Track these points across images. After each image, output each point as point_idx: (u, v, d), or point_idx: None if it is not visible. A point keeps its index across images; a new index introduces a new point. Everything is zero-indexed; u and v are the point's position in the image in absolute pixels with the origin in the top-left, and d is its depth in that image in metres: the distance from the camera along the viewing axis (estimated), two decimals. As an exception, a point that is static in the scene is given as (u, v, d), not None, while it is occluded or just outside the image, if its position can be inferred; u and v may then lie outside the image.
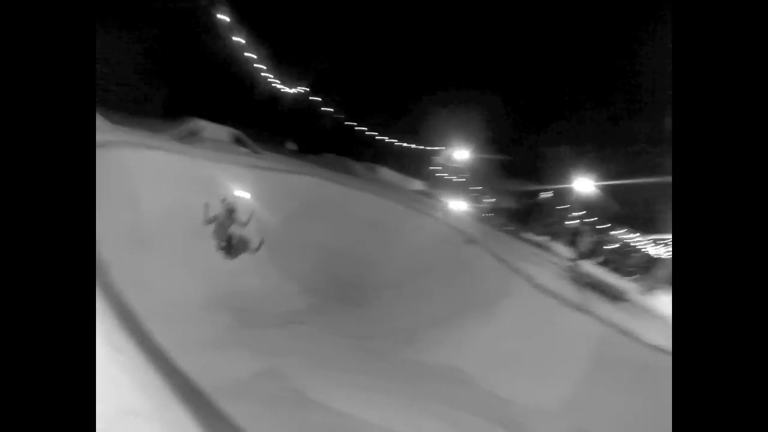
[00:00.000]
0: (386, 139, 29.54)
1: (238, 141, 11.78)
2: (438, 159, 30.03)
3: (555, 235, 19.17)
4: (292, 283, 8.08)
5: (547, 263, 10.23)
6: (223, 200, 6.49)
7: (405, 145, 29.86)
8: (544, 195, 25.17)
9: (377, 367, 5.81)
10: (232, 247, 6.53)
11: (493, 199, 29.17)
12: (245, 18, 15.51)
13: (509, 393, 5.60)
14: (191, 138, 10.11)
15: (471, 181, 30.10)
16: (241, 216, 6.52)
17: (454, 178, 30.30)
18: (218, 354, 5.14)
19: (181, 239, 6.87)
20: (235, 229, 6.50)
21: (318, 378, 5.17)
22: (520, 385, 5.68)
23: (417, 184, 21.16)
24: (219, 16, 14.27)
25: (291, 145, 22.06)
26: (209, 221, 6.22)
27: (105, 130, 6.94)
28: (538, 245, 13.84)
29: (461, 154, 29.70)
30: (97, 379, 1.63)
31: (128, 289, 4.91)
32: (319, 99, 26.57)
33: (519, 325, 6.46)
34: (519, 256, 8.57)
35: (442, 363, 6.11)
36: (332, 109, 27.82)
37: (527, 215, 26.60)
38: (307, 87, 25.02)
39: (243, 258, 7.65)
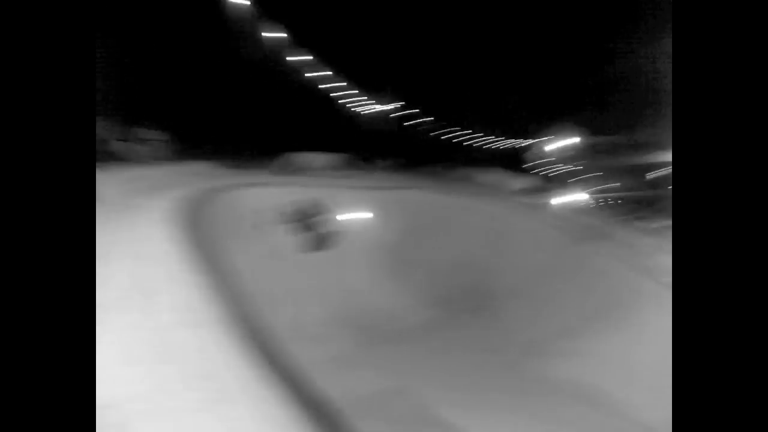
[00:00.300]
0: (489, 139, 28.69)
1: (340, 165, 12.41)
2: (544, 151, 28.22)
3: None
4: (411, 297, 8.10)
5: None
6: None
7: (508, 142, 28.69)
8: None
9: (504, 383, 5.48)
10: (319, 240, 6.82)
11: (611, 187, 26.39)
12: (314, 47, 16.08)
13: (653, 417, 4.72)
14: (294, 170, 10.93)
15: (584, 170, 27.69)
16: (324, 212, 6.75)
17: (565, 169, 28.17)
18: (343, 372, 5.28)
19: (306, 263, 7.42)
20: (318, 224, 6.81)
21: (443, 396, 5.04)
22: (660, 408, 4.85)
23: (527, 182, 20.04)
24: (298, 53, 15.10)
25: (394, 161, 22.51)
26: (293, 218, 6.55)
27: (219, 175, 7.87)
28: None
29: (569, 141, 27.50)
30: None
31: (257, 309, 5.47)
32: (416, 110, 26.78)
33: (658, 334, 5.57)
34: (649, 251, 7.51)
35: (574, 379, 5.50)
36: (428, 118, 27.86)
37: (652, 202, 23.51)
38: (399, 101, 25.39)
39: (362, 276, 8.03)
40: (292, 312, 6.20)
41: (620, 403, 5.06)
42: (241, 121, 17.70)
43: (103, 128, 8.47)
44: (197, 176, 7.85)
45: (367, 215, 9.10)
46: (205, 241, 4.85)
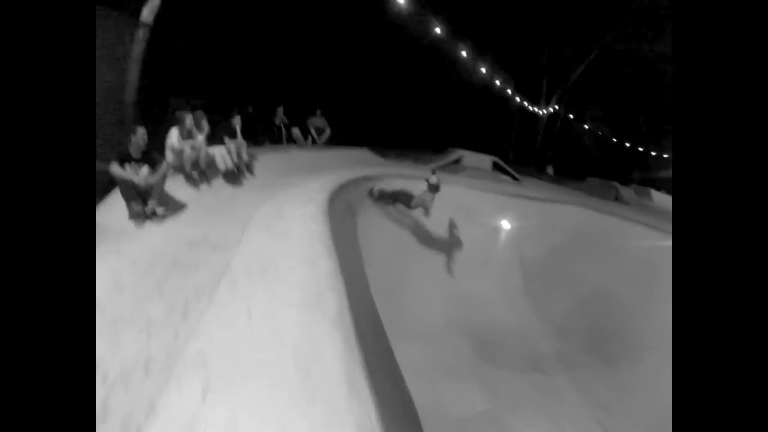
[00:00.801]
0: (661, 154, 24.75)
1: (497, 168, 12.00)
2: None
3: None
4: (544, 323, 7.47)
5: None
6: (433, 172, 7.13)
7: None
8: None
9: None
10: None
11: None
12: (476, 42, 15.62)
13: None
14: (453, 167, 10.87)
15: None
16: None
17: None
18: (447, 384, 5.19)
19: (439, 263, 7.37)
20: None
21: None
22: None
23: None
24: (461, 46, 14.91)
25: (550, 170, 21.05)
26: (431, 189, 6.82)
27: (376, 164, 8.20)
28: None
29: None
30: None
31: (381, 300, 5.62)
32: (572, 116, 24.49)
33: None
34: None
35: None
36: (590, 126, 25.21)
37: None
38: (558, 104, 23.42)
39: (499, 290, 7.69)
40: (415, 311, 6.22)
41: None
42: (404, 113, 18.54)
43: (280, 114, 9.63)
44: (357, 162, 8.34)
45: (516, 225, 8.64)
46: (344, 227, 5.15)
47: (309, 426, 1.73)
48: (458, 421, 4.59)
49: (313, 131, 10.14)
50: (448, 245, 7.59)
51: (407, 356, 5.03)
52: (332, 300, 2.54)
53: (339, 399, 1.91)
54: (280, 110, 9.68)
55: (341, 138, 11.29)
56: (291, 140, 9.77)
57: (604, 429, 5.17)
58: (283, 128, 9.63)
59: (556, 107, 23.48)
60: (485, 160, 11.78)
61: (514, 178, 11.67)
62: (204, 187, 5.77)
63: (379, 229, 6.59)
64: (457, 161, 11.20)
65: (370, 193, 7.08)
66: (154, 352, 2.28)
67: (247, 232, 3.88)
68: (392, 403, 3.83)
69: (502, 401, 5.15)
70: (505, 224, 8.45)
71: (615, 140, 25.31)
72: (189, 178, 5.59)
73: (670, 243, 8.84)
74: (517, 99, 20.32)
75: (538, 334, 7.07)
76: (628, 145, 25.09)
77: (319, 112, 10.42)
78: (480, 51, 16.18)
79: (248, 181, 6.36)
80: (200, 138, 5.89)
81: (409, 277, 6.65)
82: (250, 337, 2.29)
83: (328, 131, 10.29)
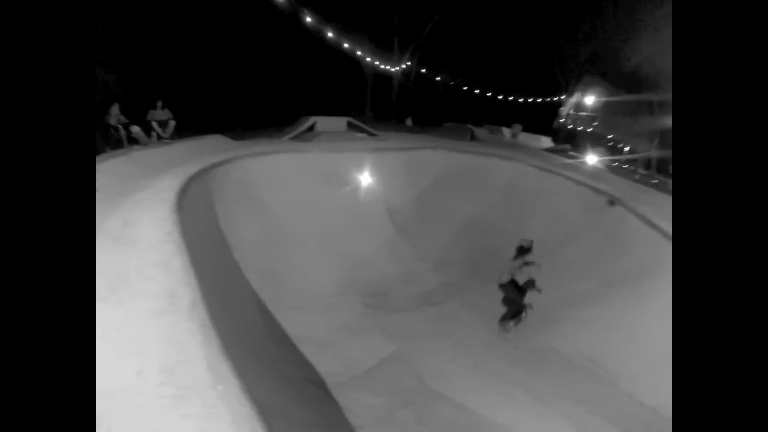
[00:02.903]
0: (507, 97, 27.73)
1: (352, 127, 12.13)
2: (564, 109, 27.13)
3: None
4: (425, 262, 8.00)
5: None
6: None
7: (527, 100, 27.68)
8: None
9: (507, 353, 5.41)
10: None
11: (634, 148, 25.33)
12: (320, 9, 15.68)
13: (654, 400, 4.46)
14: (308, 135, 10.74)
15: (607, 129, 26.59)
16: None
17: (587, 129, 27.12)
18: (348, 342, 5.39)
19: (310, 233, 7.36)
20: None
21: (444, 365, 5.04)
22: (668, 390, 4.46)
23: (545, 141, 19.30)
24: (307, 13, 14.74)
25: (409, 121, 22.12)
26: None
27: (230, 148, 7.78)
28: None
29: (591, 99, 26.33)
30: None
31: (261, 282, 5.52)
32: (424, 70, 26.10)
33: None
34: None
35: (579, 352, 5.29)
36: (441, 78, 27.07)
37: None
38: (410, 61, 24.66)
39: (376, 243, 7.97)
40: (299, 284, 6.24)
41: (625, 381, 4.83)
42: (255, 89, 17.63)
43: (115, 113, 8.49)
44: (208, 151, 7.81)
45: (378, 178, 8.96)
46: (201, 219, 4.87)
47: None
48: (366, 372, 4.82)
49: (155, 126, 9.15)
50: (317, 214, 7.66)
51: (302, 327, 5.13)
52: (185, 294, 2.45)
53: (209, 391, 1.90)
54: (115, 108, 8.48)
55: (190, 127, 10.41)
56: (133, 140, 8.71)
57: (502, 338, 5.86)
58: (121, 128, 8.50)
59: (409, 63, 24.63)
60: (340, 122, 11.90)
61: (371, 134, 12.02)
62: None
63: (243, 214, 6.37)
64: (311, 128, 11.12)
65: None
66: None
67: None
68: (286, 377, 3.91)
69: (405, 341, 5.52)
70: (366, 179, 8.75)
71: (465, 88, 27.58)
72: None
73: (522, 168, 10.14)
74: (369, 59, 20.76)
75: (421, 273, 7.62)
76: (477, 91, 27.54)
77: (159, 103, 9.35)
78: (329, 17, 16.03)
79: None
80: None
81: (285, 253, 6.62)
82: (112, 363, 2.12)
83: (172, 123, 9.37)
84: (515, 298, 5.95)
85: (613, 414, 4.38)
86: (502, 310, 6.26)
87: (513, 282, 5.90)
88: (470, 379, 4.81)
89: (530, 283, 5.84)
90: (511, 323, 6.02)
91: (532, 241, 6.14)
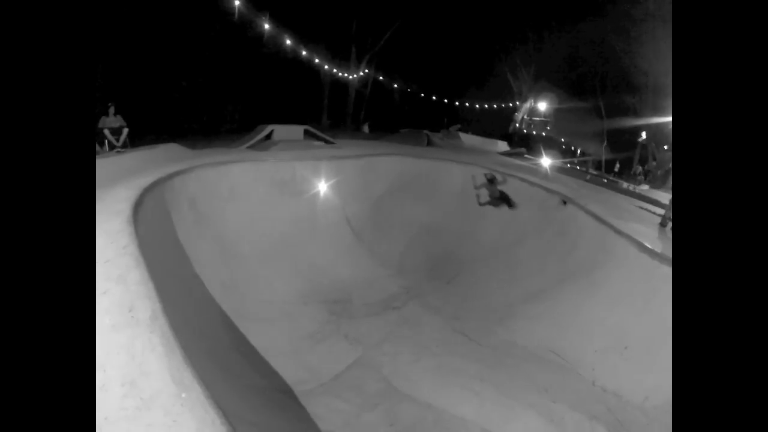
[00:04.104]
0: (463, 103, 28.52)
1: (309, 135, 12.09)
2: (519, 114, 28.26)
3: (657, 184, 16.66)
4: (385, 267, 8.12)
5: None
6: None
7: (483, 106, 28.58)
8: (642, 138, 22.16)
9: (470, 350, 5.61)
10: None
11: (585, 150, 26.77)
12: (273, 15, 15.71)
13: (614, 384, 4.77)
14: (265, 143, 10.62)
15: (559, 133, 27.95)
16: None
17: (541, 133, 28.37)
18: (312, 349, 5.40)
19: (269, 242, 7.30)
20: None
21: (409, 367, 5.16)
22: (626, 373, 4.79)
23: (501, 145, 20.00)
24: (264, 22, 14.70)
25: (366, 128, 22.33)
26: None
27: (186, 158, 7.60)
28: (642, 198, 12.24)
29: (544, 105, 27.62)
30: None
31: (222, 294, 5.44)
32: (381, 78, 26.50)
33: (625, 299, 5.42)
34: (621, 213, 7.57)
35: (539, 345, 5.59)
36: (398, 85, 27.52)
37: (625, 163, 23.96)
38: (367, 69, 24.95)
39: (335, 250, 7.99)
40: (261, 295, 6.18)
41: (584, 368, 5.12)
42: (207, 95, 17.26)
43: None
44: (164, 160, 7.61)
45: (335, 186, 9.00)
46: (158, 230, 4.75)
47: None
48: (333, 378, 4.86)
49: (108, 134, 8.81)
50: (275, 224, 7.63)
51: (266, 339, 5.09)
52: (144, 307, 2.42)
53: (172, 399, 1.91)
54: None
55: (143, 134, 10.06)
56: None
57: (462, 333, 6.03)
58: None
59: (366, 71, 24.89)
60: (296, 130, 11.84)
61: (328, 142, 12.06)
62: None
63: (201, 226, 6.27)
64: (268, 136, 11.03)
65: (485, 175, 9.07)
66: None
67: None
68: (252, 387, 3.89)
69: (368, 346, 5.60)
70: (324, 187, 8.81)
71: (422, 95, 28.17)
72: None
73: (478, 172, 10.47)
74: (326, 67, 20.84)
75: (381, 278, 7.73)
76: (434, 98, 28.19)
77: (112, 109, 8.98)
78: (287, 24, 15.98)
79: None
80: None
81: (245, 263, 6.55)
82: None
83: (125, 131, 9.05)
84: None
85: (578, 401, 4.63)
86: (462, 310, 6.67)
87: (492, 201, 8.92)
88: (435, 379, 4.95)
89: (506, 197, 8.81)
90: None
91: (493, 173, 9.08)
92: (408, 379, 4.90)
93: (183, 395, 1.88)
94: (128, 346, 2.21)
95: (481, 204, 9.21)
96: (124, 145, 8.98)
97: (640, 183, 15.62)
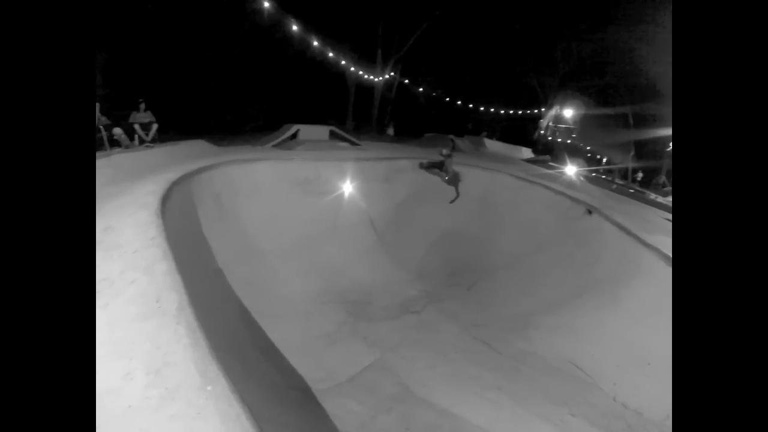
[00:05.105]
0: (488, 109, 28.28)
1: (335, 136, 12.17)
2: (544, 121, 27.86)
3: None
4: (405, 271, 8.08)
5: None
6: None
7: (508, 112, 28.27)
8: (670, 148, 21.53)
9: (488, 358, 5.52)
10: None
11: (611, 159, 26.18)
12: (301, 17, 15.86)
13: (635, 401, 4.63)
14: (290, 142, 10.73)
15: (584, 141, 27.42)
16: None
17: (566, 141, 27.90)
18: (329, 349, 5.40)
19: (290, 240, 7.35)
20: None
21: (426, 372, 5.09)
22: (648, 391, 4.64)
23: (525, 152, 19.72)
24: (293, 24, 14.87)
25: (391, 131, 22.35)
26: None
27: (212, 154, 7.74)
28: (670, 209, 11.86)
29: (570, 112, 27.14)
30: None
31: (243, 290, 5.49)
32: (407, 81, 26.48)
33: (650, 315, 5.25)
34: (648, 226, 7.34)
35: (558, 356, 5.45)
36: (423, 89, 27.47)
37: (649, 173, 23.33)
38: (392, 72, 24.99)
39: (356, 251, 8.00)
40: (280, 293, 6.21)
41: (605, 383, 4.98)
42: (233, 94, 17.56)
43: (97, 115, 8.37)
44: (192, 156, 7.76)
45: (359, 187, 9.02)
46: (185, 224, 4.83)
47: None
48: (349, 379, 4.84)
49: (138, 129, 9.03)
50: (297, 222, 7.66)
51: (283, 336, 5.11)
52: (171, 298, 2.45)
53: (197, 392, 1.91)
54: (96, 108, 8.36)
55: (173, 130, 10.30)
56: (114, 142, 8.57)
57: (482, 340, 5.94)
58: (102, 130, 8.37)
59: (392, 74, 24.93)
60: (322, 131, 11.93)
61: (353, 144, 12.10)
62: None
63: (226, 221, 6.34)
64: (293, 136, 11.14)
65: (420, 165, 10.21)
66: None
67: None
68: (270, 384, 3.90)
69: (386, 349, 5.56)
70: (347, 187, 8.82)
71: (447, 99, 28.03)
72: None
73: (501, 179, 10.40)
74: (352, 69, 20.95)
75: (401, 282, 7.67)
76: (459, 102, 28.02)
77: (142, 105, 9.22)
78: (314, 26, 16.15)
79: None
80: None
81: (266, 261, 6.60)
82: (98, 366, 2.11)
83: (155, 126, 9.26)
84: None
85: (597, 416, 4.50)
86: (481, 317, 6.55)
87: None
88: (452, 386, 4.87)
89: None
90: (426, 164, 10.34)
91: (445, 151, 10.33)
92: (425, 385, 4.84)
93: (209, 388, 1.88)
94: (154, 336, 2.23)
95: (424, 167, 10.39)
96: (153, 140, 9.19)
97: (666, 194, 15.19)
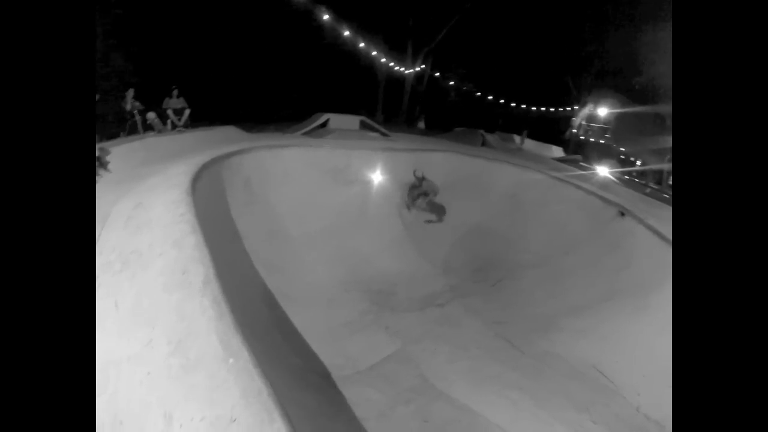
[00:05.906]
0: (519, 105, 27.71)
1: (365, 126, 12.13)
2: (577, 120, 27.05)
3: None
4: (431, 264, 7.97)
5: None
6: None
7: (540, 109, 27.61)
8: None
9: (510, 357, 5.37)
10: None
11: (645, 161, 25.17)
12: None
13: (659, 413, 4.39)
14: (321, 131, 10.76)
15: (618, 141, 26.47)
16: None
17: (599, 140, 27.03)
18: (352, 337, 5.38)
19: (317, 227, 7.37)
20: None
21: (447, 366, 5.01)
22: (659, 395, 4.46)
23: (556, 151, 19.19)
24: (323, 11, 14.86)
25: (422, 124, 22.17)
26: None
27: (242, 140, 7.82)
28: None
29: (604, 111, 26.23)
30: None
31: (267, 273, 5.53)
32: (437, 74, 26.17)
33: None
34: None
35: (582, 360, 5.24)
36: (454, 82, 27.10)
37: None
38: (423, 65, 24.72)
39: (383, 241, 7.96)
40: (305, 279, 6.23)
41: (629, 392, 4.78)
42: (265, 83, 17.76)
43: (130, 101, 8.63)
44: (222, 141, 7.87)
45: (388, 177, 8.96)
46: (213, 205, 4.89)
47: (196, 404, 1.70)
48: (370, 368, 4.82)
49: (171, 114, 9.24)
50: (325, 209, 7.66)
51: (307, 323, 5.12)
52: (198, 271, 2.45)
53: (218, 363, 1.90)
54: (130, 94, 8.63)
55: (205, 117, 10.48)
56: (148, 126, 8.81)
57: (505, 339, 5.80)
58: (137, 114, 8.63)
59: (422, 66, 24.67)
60: (352, 121, 11.89)
61: (383, 134, 12.02)
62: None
63: (253, 205, 6.39)
64: (323, 125, 11.14)
65: (407, 206, 8.99)
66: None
67: (105, 231, 3.50)
68: (290, 366, 3.90)
69: (408, 340, 5.51)
70: (377, 177, 8.76)
71: (478, 94, 27.60)
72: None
73: (532, 176, 10.14)
74: (383, 60, 20.84)
75: (426, 274, 7.57)
76: (490, 97, 27.56)
77: (175, 91, 9.45)
78: (345, 16, 16.14)
79: (102, 178, 5.63)
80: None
81: (292, 246, 6.62)
82: (120, 331, 2.14)
83: (187, 112, 9.46)
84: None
85: (619, 426, 4.32)
86: (505, 315, 6.42)
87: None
88: (471, 382, 4.77)
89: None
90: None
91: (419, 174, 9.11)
92: (445, 379, 4.76)
93: (231, 360, 1.87)
94: (178, 307, 2.24)
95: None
96: (186, 125, 9.39)
97: None
